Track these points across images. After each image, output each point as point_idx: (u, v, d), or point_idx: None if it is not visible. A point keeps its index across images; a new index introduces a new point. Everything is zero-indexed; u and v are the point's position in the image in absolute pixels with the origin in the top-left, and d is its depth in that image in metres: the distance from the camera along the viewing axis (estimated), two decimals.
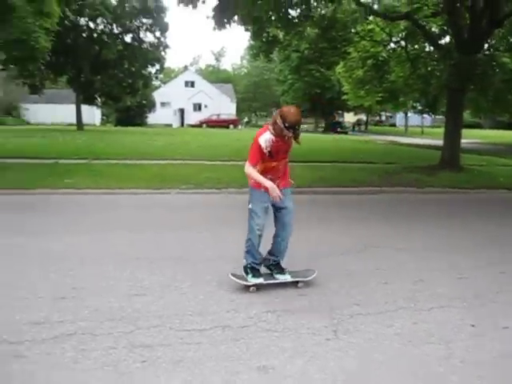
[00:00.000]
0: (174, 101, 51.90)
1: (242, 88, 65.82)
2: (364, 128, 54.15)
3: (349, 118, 59.18)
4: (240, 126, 47.81)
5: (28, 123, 39.46)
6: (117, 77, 29.61)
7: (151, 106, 45.97)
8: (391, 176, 12.28)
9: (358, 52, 15.89)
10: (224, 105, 52.03)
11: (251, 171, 3.98)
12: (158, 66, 33.68)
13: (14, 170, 11.18)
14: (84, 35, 29.06)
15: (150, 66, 32.96)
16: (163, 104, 51.63)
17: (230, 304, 3.85)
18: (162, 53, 33.00)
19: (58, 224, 6.63)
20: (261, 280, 4.16)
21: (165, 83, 58.24)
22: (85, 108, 32.30)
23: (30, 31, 9.05)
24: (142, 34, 31.32)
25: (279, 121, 3.78)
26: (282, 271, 4.31)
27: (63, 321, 3.43)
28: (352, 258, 5.23)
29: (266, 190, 3.99)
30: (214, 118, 45.74)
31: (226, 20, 11.09)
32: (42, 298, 3.85)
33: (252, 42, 16.57)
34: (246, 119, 68.24)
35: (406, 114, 47.12)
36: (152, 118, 46.79)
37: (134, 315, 3.57)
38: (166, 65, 38.06)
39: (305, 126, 56.52)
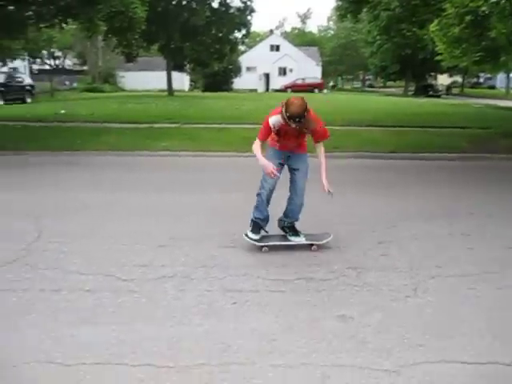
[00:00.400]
0: (260, 65, 51.92)
1: (328, 51, 63.95)
2: (459, 91, 50.49)
3: (442, 80, 55.38)
4: (325, 90, 46.87)
5: (123, 90, 41.87)
6: (205, 43, 30.24)
7: (237, 71, 46.47)
8: (483, 142, 11.58)
9: (454, 8, 14.76)
10: (309, 68, 51.08)
11: (254, 147, 4.14)
12: (244, 31, 33.78)
13: (114, 133, 12.15)
14: (173, 3, 29.85)
15: (236, 31, 33.17)
16: (248, 69, 51.86)
17: (312, 259, 4.09)
18: (249, 17, 33.03)
19: (157, 182, 7.25)
20: (257, 237, 4.27)
21: (250, 47, 58.29)
22: (174, 74, 33.53)
23: (128, 3, 9.68)
24: None
25: (283, 109, 3.84)
26: (296, 233, 4.37)
27: (164, 265, 3.89)
28: (439, 223, 5.19)
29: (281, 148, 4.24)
30: (299, 82, 45.17)
31: None
32: (144, 245, 4.36)
33: (339, 3, 16.05)
34: (331, 83, 66.56)
35: (508, 75, 43.10)
36: (237, 83, 47.33)
37: (224, 264, 3.94)
38: (252, 29, 38.00)
39: (393, 89, 54.02)
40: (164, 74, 31.47)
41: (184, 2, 30.47)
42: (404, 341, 2.83)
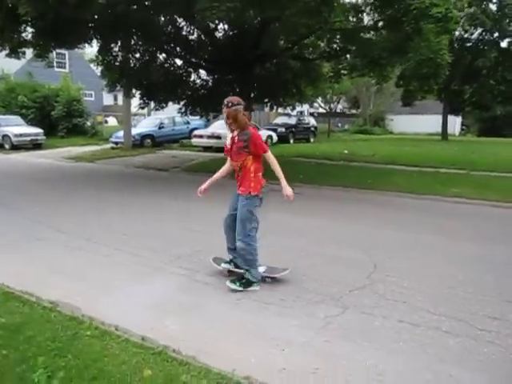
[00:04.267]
0: None
1: None
2: None
3: None
4: None
5: (391, 132, 42.59)
6: (489, 85, 28.25)
7: None
8: None
9: None
10: None
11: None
12: None
13: (401, 175, 12.40)
14: (457, 46, 29.04)
15: None
16: None
17: None
18: None
19: (451, 229, 7.00)
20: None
21: None
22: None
23: (436, 49, 9.90)
24: None
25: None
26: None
27: None
28: None
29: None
30: None
31: None
32: (487, 296, 4.18)
33: None
34: None
35: None
36: None
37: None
38: None
39: None
40: (433, 117, 30.68)
41: (468, 44, 29.31)
42: None
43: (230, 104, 4.22)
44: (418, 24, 10.04)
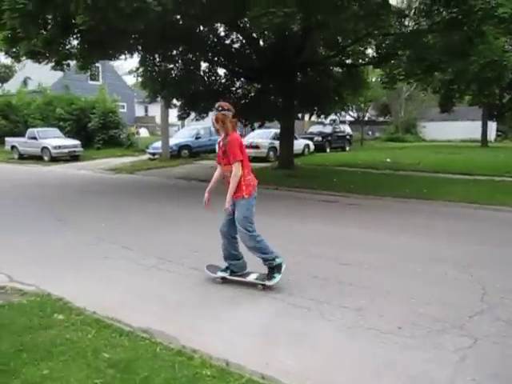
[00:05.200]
0: None
1: None
2: None
3: None
4: None
5: (423, 140, 41.62)
6: None
7: None
8: None
9: None
10: None
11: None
12: None
13: (457, 184, 11.86)
14: None
15: None
16: None
17: None
18: None
19: None
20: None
21: None
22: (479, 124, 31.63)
23: (502, 52, 9.37)
24: None
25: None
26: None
27: None
28: None
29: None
30: None
31: None
32: None
33: None
34: None
35: None
36: None
37: None
38: None
39: None
40: (467, 123, 29.77)
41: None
42: None
43: (220, 108, 4.42)
44: (480, 25, 9.54)
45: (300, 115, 17.79)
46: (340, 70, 16.15)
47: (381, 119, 51.69)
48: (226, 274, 4.69)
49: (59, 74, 31.16)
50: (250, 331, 3.61)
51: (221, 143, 4.53)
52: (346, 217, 8.48)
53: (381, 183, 12.31)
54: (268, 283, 4.45)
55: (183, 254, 5.70)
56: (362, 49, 14.55)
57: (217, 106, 4.46)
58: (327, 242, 6.40)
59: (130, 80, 30.91)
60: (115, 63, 35.58)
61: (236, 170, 4.35)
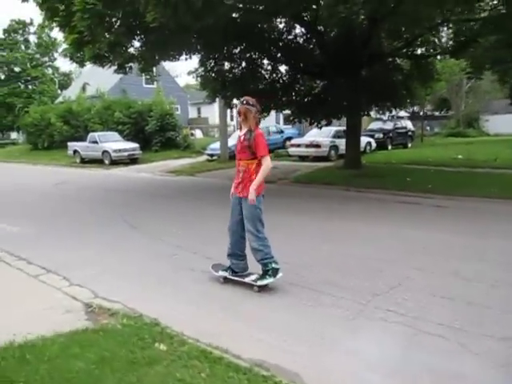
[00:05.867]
0: None
1: None
2: None
3: None
4: None
5: (487, 134, 39.24)
6: None
7: None
8: None
9: None
10: None
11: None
12: None
13: None
14: None
15: None
16: None
17: None
18: None
19: None
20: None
21: None
22: None
23: None
24: None
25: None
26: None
27: None
28: None
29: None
30: None
31: None
32: None
33: None
34: None
35: None
36: None
37: None
38: None
39: None
40: None
41: None
42: None
43: (244, 102, 4.38)
44: None
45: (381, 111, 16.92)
46: (406, 62, 15.20)
47: (437, 113, 49.40)
48: (226, 274, 4.70)
49: (115, 79, 31.84)
50: (382, 368, 3.00)
51: (241, 137, 4.43)
52: (439, 221, 7.63)
53: (461, 182, 11.30)
54: (259, 283, 4.41)
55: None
56: (434, 38, 13.51)
57: (242, 99, 4.48)
58: (433, 252, 5.66)
59: (183, 81, 31.03)
60: (167, 65, 35.88)
61: (267, 162, 4.31)
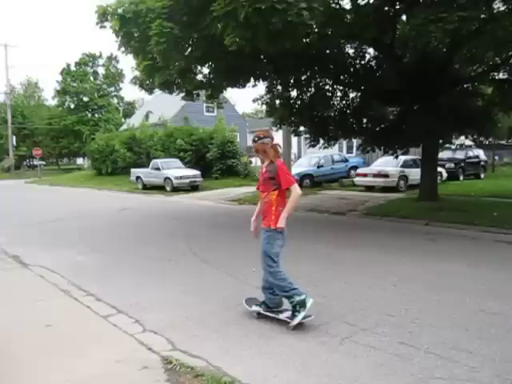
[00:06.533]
0: None
1: None
2: None
3: None
4: None
5: None
6: None
7: None
8: None
9: None
10: None
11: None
12: None
13: None
14: None
15: None
16: None
17: None
18: None
19: None
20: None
21: None
22: None
23: None
24: None
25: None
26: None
27: None
28: None
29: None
30: None
31: None
32: None
33: None
34: None
35: None
36: None
37: None
38: None
39: None
40: None
41: None
42: None
43: (256, 139, 4.33)
44: None
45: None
46: (485, 87, 14.12)
47: (503, 142, 46.63)
48: (260, 309, 4.55)
49: (177, 107, 32.53)
50: None
51: (263, 169, 4.41)
52: None
53: None
54: (291, 323, 4.20)
55: (379, 321, 4.38)
56: None
57: (253, 136, 4.42)
58: None
59: (241, 109, 31.07)
60: (227, 94, 36.32)
61: (297, 190, 4.18)
